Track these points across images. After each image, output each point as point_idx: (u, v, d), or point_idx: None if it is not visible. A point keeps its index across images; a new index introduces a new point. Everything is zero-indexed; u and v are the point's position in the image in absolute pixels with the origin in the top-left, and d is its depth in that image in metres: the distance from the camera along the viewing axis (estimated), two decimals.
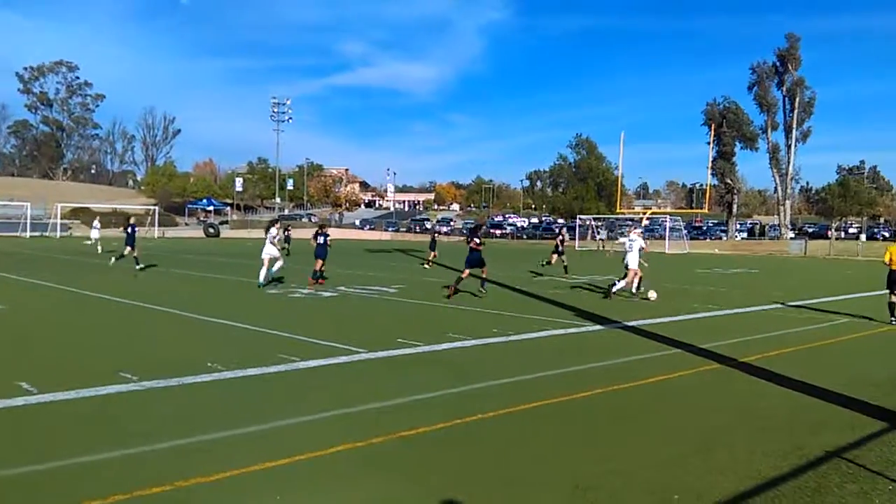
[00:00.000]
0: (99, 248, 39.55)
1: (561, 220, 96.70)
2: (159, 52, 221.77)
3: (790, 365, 9.39)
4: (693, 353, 10.21)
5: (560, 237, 28.48)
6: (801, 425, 6.47)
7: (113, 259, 25.68)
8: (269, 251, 19.00)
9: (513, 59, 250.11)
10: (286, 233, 32.72)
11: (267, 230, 19.56)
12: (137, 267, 24.53)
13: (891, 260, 14.27)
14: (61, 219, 71.32)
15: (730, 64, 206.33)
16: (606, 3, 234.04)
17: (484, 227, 22.44)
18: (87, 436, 5.76)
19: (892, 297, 14.14)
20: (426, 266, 29.70)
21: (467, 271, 17.94)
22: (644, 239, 19.06)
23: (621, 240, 18.08)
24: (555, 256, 27.89)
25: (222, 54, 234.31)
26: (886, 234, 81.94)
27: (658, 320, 13.78)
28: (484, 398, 7.30)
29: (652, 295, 17.70)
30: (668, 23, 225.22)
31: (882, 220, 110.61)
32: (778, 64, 76.16)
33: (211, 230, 79.99)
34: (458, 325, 12.35)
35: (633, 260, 18.17)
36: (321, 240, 20.58)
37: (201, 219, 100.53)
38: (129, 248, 25.02)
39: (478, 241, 17.94)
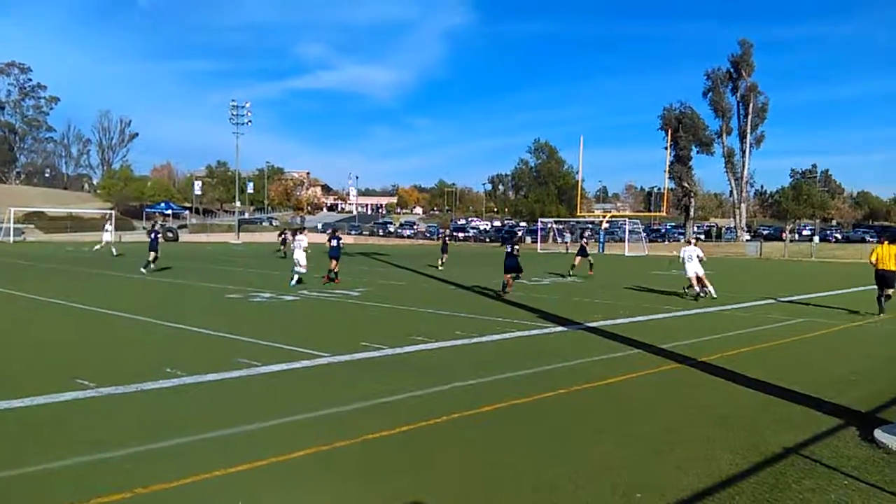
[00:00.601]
0: (114, 250, 39.13)
1: (523, 224, 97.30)
2: (115, 53, 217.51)
3: (749, 364, 9.56)
4: (653, 353, 10.34)
5: (584, 240, 28.94)
6: (760, 423, 6.59)
7: (143, 269, 25.75)
8: (299, 256, 20.59)
9: (474, 64, 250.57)
10: (282, 237, 33.73)
11: (294, 236, 20.98)
12: (143, 269, 25.51)
13: (877, 259, 15.87)
14: (14, 223, 69.49)
15: (687, 69, 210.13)
16: (567, 8, 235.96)
17: (519, 234, 23.87)
18: (42, 444, 5.61)
19: (884, 291, 15.72)
20: (440, 266, 31.11)
21: (508, 276, 19.46)
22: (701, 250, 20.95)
23: (681, 253, 20.31)
24: (579, 259, 28.21)
25: (180, 56, 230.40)
26: (838, 236, 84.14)
27: (619, 321, 13.93)
28: (448, 400, 7.30)
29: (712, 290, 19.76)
30: (626, 28, 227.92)
31: (834, 222, 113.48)
32: (732, 70, 77.74)
33: (169, 234, 78.73)
34: (422, 328, 12.33)
35: (690, 269, 19.64)
36: (335, 242, 23.16)
37: (160, 223, 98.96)
38: (153, 254, 26.55)
39: (516, 248, 19.98)
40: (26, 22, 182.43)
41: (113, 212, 75.86)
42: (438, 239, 33.59)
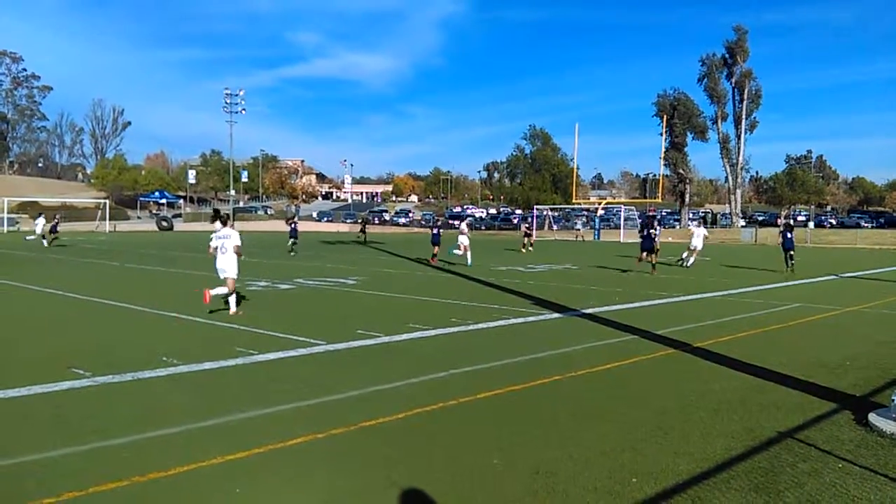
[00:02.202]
0: (44, 242, 38.81)
1: (519, 211, 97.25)
2: (108, 42, 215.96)
3: (743, 349, 9.61)
4: (649, 339, 10.37)
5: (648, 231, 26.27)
6: (755, 407, 6.62)
7: (293, 252, 30.65)
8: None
9: (469, 51, 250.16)
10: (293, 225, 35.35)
11: (363, 228, 21.49)
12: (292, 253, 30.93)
13: None
14: (8, 213, 69.29)
15: (682, 56, 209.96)
16: None
17: (654, 219, 26.70)
18: (39, 433, 5.62)
19: None
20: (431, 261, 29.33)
21: (643, 253, 23.03)
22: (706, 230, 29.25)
23: (694, 232, 27.88)
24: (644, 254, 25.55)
25: (173, 45, 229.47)
26: (833, 222, 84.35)
27: (614, 307, 13.96)
28: (444, 387, 7.32)
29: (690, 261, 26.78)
30: (621, 15, 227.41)
31: (829, 207, 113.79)
32: (727, 56, 77.54)
33: (164, 223, 78.53)
34: (418, 316, 12.35)
35: (694, 242, 26.98)
36: (436, 230, 28.34)
37: (154, 211, 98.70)
38: (292, 240, 31.57)
39: (653, 231, 23.24)
40: (18, 11, 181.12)
41: (107, 201, 75.60)
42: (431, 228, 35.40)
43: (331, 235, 65.33)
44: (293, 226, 34.83)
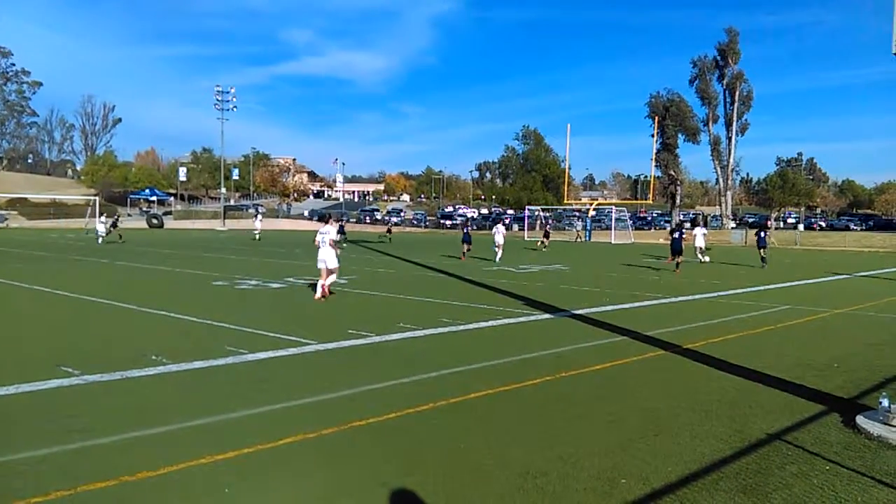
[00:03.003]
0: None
1: (511, 211, 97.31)
2: (99, 38, 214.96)
3: (733, 351, 9.65)
4: (639, 341, 10.40)
5: (678, 232, 26.83)
6: (743, 409, 6.66)
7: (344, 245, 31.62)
8: None
9: (462, 51, 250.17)
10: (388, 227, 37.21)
11: (389, 229, 21.78)
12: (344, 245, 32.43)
13: None
14: None
15: (674, 58, 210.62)
16: None
17: (689, 222, 34.43)
18: (26, 432, 5.59)
19: None
20: (462, 259, 30.40)
21: (675, 257, 25.33)
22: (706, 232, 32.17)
23: (695, 232, 30.64)
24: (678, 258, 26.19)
25: (164, 41, 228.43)
26: (823, 224, 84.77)
27: (605, 308, 14.00)
28: (435, 387, 7.32)
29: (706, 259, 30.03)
30: (614, 16, 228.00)
31: (819, 210, 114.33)
32: (718, 58, 77.76)
33: (154, 221, 78.25)
34: (409, 316, 12.35)
35: (701, 242, 29.87)
36: (465, 230, 32.25)
37: (144, 209, 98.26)
38: (342, 236, 32.53)
39: (682, 233, 26.09)
40: (7, 5, 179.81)
41: (97, 198, 75.20)
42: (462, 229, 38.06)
43: None
44: (340, 226, 36.39)
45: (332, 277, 15.11)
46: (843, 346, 10.41)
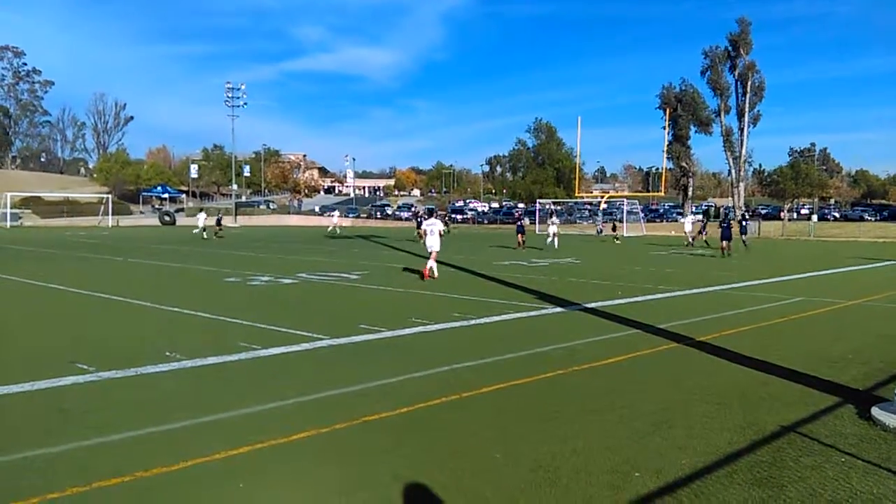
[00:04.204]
0: (203, 234, 43.39)
1: (521, 205, 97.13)
2: (110, 36, 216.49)
3: (746, 343, 9.60)
4: (651, 333, 10.37)
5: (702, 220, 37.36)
6: (757, 401, 6.62)
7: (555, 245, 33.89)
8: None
9: (473, 45, 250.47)
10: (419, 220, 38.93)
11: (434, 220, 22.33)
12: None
13: None
14: (11, 208, 69.40)
15: (685, 49, 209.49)
16: None
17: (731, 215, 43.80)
18: (42, 429, 5.63)
19: None
20: (517, 248, 34.17)
21: (724, 242, 29.89)
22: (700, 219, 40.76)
23: (683, 221, 40.75)
24: (701, 236, 35.97)
25: (176, 40, 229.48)
26: (836, 215, 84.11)
27: (616, 302, 13.96)
28: (447, 382, 7.32)
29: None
30: (624, 8, 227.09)
31: (832, 201, 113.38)
32: (730, 48, 77.16)
33: (167, 218, 78.60)
34: (421, 311, 12.35)
35: (688, 227, 39.44)
36: (519, 223, 35.82)
37: (156, 206, 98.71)
38: (520, 237, 35.03)
39: (730, 222, 30.80)
40: (20, 5, 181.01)
41: (109, 196, 75.64)
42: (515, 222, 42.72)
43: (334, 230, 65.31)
44: (444, 219, 37.60)
45: (433, 262, 18.59)
46: (858, 338, 10.34)
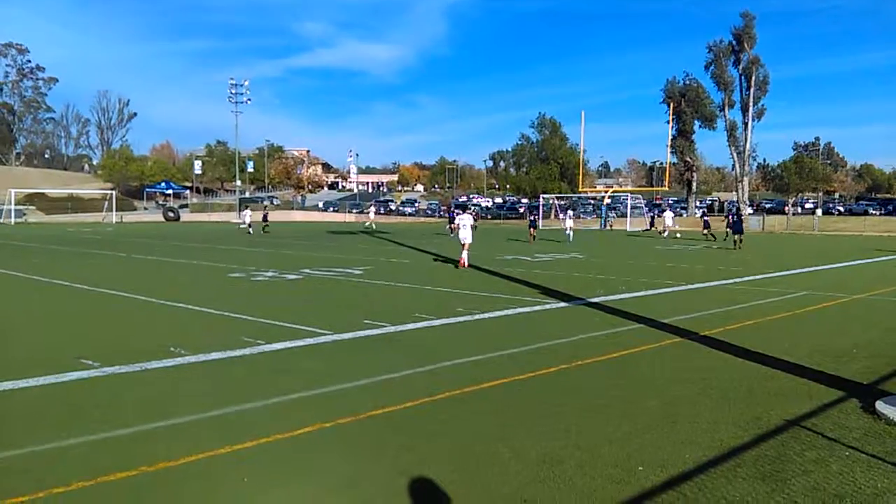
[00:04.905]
0: (250, 230, 44.87)
1: (525, 200, 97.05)
2: (113, 33, 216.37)
3: (751, 337, 9.59)
4: (656, 328, 10.36)
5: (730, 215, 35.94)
6: (762, 395, 6.62)
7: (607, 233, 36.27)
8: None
9: (476, 40, 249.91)
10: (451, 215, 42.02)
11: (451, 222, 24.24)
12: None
13: None
14: (15, 205, 69.56)
15: (689, 43, 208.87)
16: None
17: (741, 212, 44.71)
18: (47, 423, 5.65)
19: None
20: (530, 242, 36.25)
21: (736, 235, 31.40)
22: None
23: (665, 216, 44.16)
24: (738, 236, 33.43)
25: (179, 36, 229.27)
26: (841, 209, 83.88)
27: (620, 296, 13.95)
28: (451, 376, 7.33)
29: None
30: (628, 3, 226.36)
31: (837, 195, 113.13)
32: (734, 43, 76.86)
33: (171, 214, 78.73)
34: (425, 306, 12.36)
35: (670, 222, 43.91)
36: (532, 217, 39.76)
37: (160, 203, 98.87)
38: (532, 231, 37.71)
39: (741, 216, 33.39)
40: (23, 2, 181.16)
41: (113, 192, 75.77)
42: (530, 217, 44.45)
43: (337, 225, 65.40)
44: (474, 214, 39.03)
45: (466, 253, 20.51)
46: (862, 332, 10.32)
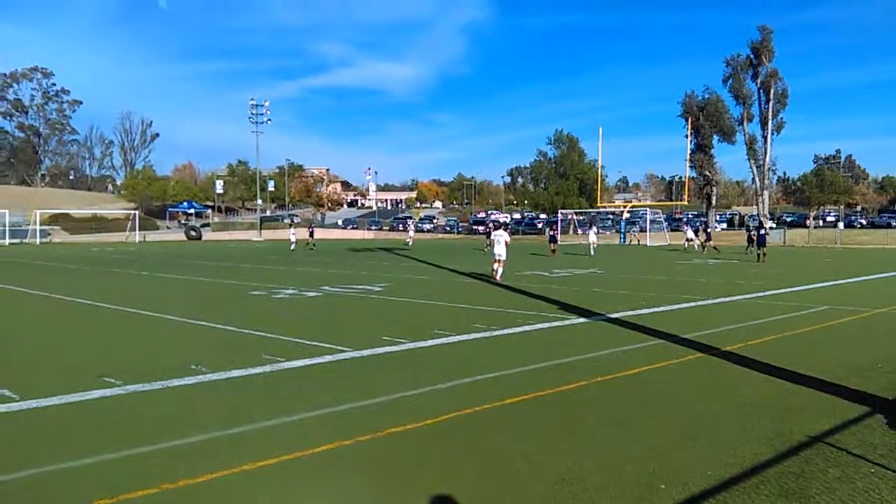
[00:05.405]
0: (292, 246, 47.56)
1: (543, 216, 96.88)
2: (136, 56, 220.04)
3: (772, 352, 9.48)
4: (676, 343, 10.28)
5: (757, 231, 34.77)
6: (784, 412, 6.54)
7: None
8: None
9: (493, 57, 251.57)
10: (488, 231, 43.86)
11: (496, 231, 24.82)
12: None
13: None
14: (41, 225, 70.54)
15: (707, 57, 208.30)
16: None
17: (766, 226, 42.83)
18: (70, 442, 5.70)
19: None
20: (551, 256, 37.42)
21: (760, 249, 32.21)
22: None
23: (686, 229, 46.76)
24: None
25: (200, 58, 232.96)
26: (864, 222, 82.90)
27: (640, 312, 13.86)
28: (470, 394, 7.31)
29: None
30: (645, 17, 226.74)
31: (859, 207, 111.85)
32: (752, 56, 76.51)
33: (193, 233, 79.44)
34: (443, 322, 12.36)
35: (691, 235, 45.58)
36: (552, 233, 40.69)
37: (183, 221, 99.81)
38: (553, 246, 39.27)
39: (765, 230, 33.61)
40: (47, 27, 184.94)
41: (136, 212, 76.59)
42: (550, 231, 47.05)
43: (357, 243, 65.66)
44: (509, 231, 40.27)
45: (501, 269, 21.62)
46: (887, 347, 10.18)
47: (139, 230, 75.06)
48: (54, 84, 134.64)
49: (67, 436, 5.90)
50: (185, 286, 20.87)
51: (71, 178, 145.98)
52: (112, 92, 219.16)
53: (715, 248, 44.82)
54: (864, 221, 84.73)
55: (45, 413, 6.57)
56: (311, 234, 51.60)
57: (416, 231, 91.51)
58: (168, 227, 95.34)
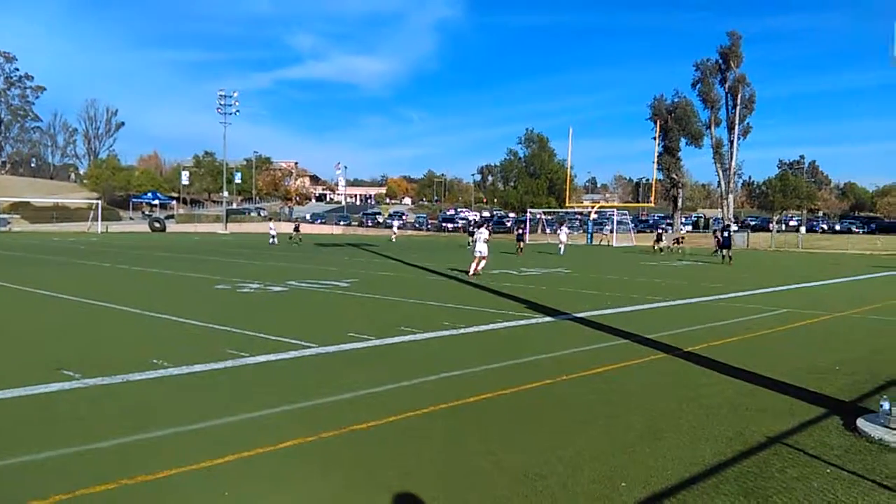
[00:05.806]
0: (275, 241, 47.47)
1: (512, 214, 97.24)
2: (102, 43, 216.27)
3: (734, 354, 9.62)
4: (639, 343, 10.39)
5: (723, 232, 35.25)
6: (744, 412, 6.64)
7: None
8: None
9: (465, 55, 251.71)
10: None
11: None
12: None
13: None
14: (0, 213, 69.01)
15: (677, 61, 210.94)
16: (557, 0, 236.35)
17: (732, 227, 46.81)
18: (26, 435, 5.58)
19: None
20: (518, 255, 37.50)
21: (725, 250, 32.69)
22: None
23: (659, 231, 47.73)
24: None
25: (168, 46, 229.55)
26: (825, 227, 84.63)
27: (606, 311, 13.98)
28: (435, 391, 7.31)
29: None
30: (617, 20, 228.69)
31: (821, 213, 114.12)
32: (721, 61, 77.63)
33: (157, 224, 78.30)
34: (410, 319, 12.34)
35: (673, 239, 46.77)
36: (520, 231, 41.61)
37: (146, 213, 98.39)
38: (520, 244, 40.03)
39: (730, 232, 34.35)
40: (11, 10, 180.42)
41: (99, 202, 75.31)
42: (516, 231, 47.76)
43: (325, 237, 65.29)
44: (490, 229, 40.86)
45: (483, 263, 22.45)
46: (845, 350, 10.39)
47: (102, 220, 73.79)
48: (17, 69, 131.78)
49: (24, 430, 5.77)
50: (147, 278, 20.55)
51: (33, 165, 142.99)
52: (77, 79, 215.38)
53: (680, 249, 45.65)
54: (825, 226, 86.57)
55: (0, 406, 6.42)
56: (297, 230, 52.86)
57: (387, 228, 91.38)
58: (131, 218, 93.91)
